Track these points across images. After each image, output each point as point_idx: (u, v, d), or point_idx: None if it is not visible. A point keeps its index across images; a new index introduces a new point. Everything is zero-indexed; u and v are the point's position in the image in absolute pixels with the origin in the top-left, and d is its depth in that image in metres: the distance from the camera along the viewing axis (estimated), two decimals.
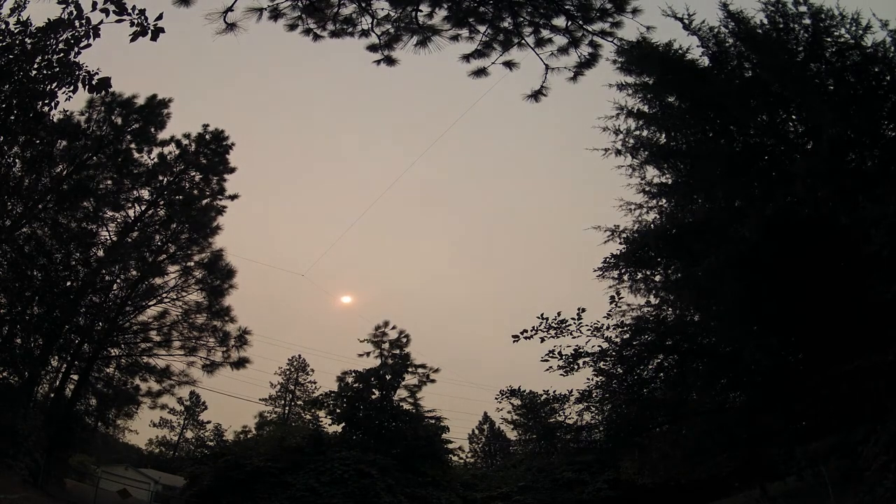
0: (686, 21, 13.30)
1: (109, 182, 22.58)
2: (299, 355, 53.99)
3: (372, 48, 7.56)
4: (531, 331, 14.96)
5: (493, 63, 7.72)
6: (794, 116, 12.94)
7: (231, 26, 6.48)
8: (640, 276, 14.81)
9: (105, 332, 21.97)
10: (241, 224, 58.78)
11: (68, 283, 20.55)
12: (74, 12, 6.34)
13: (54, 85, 6.66)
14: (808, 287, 10.84)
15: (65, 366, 21.68)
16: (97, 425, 25.21)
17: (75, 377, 21.84)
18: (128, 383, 23.29)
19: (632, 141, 14.55)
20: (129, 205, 23.47)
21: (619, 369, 15.03)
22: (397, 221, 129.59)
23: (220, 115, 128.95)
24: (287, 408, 51.46)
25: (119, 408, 24.26)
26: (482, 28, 7.43)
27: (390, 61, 7.63)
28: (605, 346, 14.61)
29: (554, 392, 17.74)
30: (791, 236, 10.99)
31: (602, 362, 14.78)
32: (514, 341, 15.17)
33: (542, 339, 14.88)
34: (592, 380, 15.35)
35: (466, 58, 7.69)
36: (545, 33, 7.48)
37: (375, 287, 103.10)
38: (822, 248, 10.74)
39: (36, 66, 6.71)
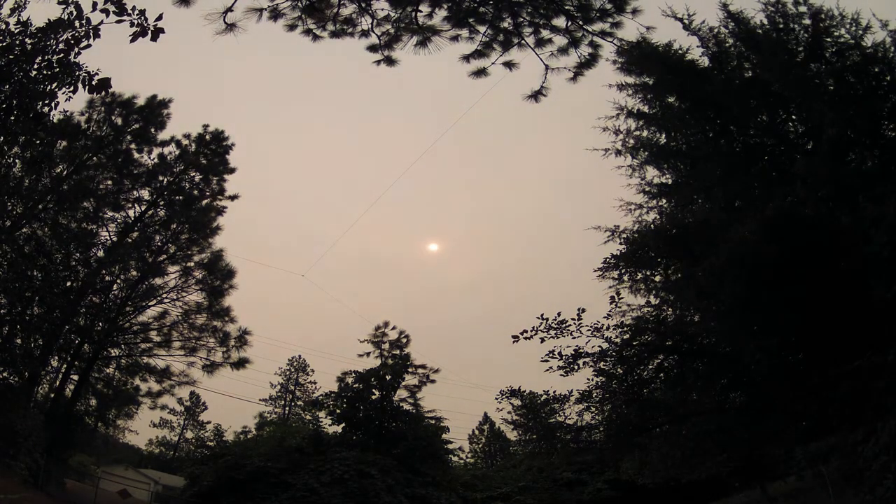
0: (686, 21, 13.31)
1: (109, 182, 22.66)
2: (299, 355, 54.05)
3: (372, 48, 7.58)
4: (531, 331, 14.89)
5: (493, 63, 7.75)
6: (794, 116, 12.94)
7: (231, 26, 6.50)
8: (640, 276, 14.78)
9: (105, 333, 22.01)
10: (242, 224, 58.85)
11: (68, 283, 20.52)
12: (74, 12, 6.34)
13: (54, 85, 6.64)
14: (808, 287, 10.82)
15: (65, 366, 21.74)
16: (97, 425, 25.27)
17: (75, 377, 21.92)
18: (128, 383, 23.40)
19: (632, 141, 14.57)
20: (129, 205, 23.56)
21: (619, 370, 14.98)
22: (397, 221, 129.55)
23: (220, 116, 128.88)
24: (287, 408, 51.50)
25: (119, 408, 24.36)
26: (482, 28, 7.45)
27: (390, 61, 7.65)
28: (605, 347, 14.54)
29: (554, 392, 17.69)
30: (791, 236, 10.97)
31: (602, 362, 14.73)
32: (513, 342, 15.11)
33: (542, 340, 14.81)
34: (592, 380, 15.30)
35: (466, 58, 7.72)
36: (545, 33, 7.51)
37: (375, 287, 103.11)
38: (822, 249, 10.72)
39: (36, 66, 6.69)
